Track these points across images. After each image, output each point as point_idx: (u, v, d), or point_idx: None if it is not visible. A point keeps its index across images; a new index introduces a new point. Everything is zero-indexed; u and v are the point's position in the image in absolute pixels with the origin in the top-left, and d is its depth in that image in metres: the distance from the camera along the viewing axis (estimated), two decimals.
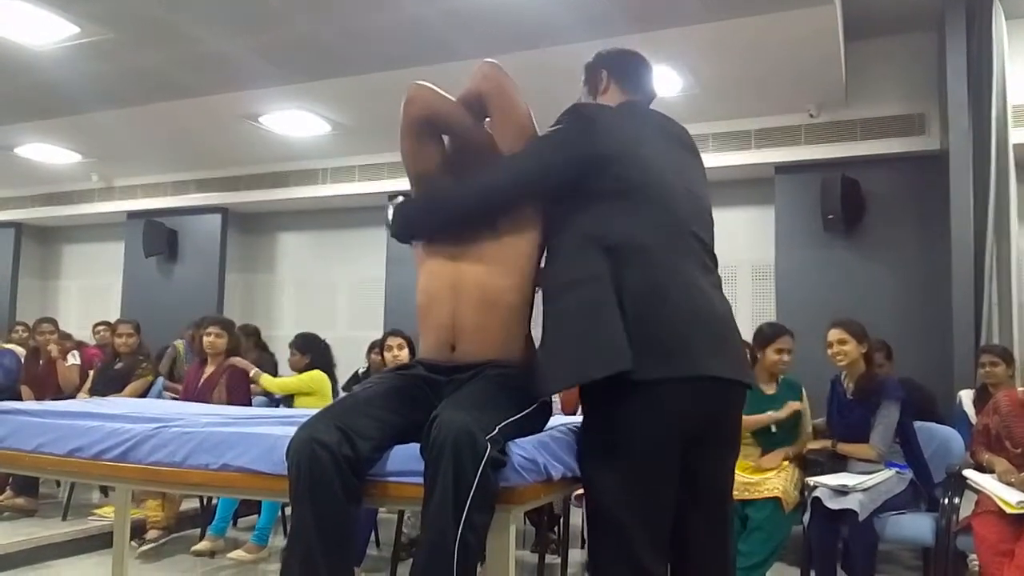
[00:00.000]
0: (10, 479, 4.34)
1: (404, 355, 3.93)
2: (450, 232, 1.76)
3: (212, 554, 3.72)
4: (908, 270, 4.78)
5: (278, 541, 3.92)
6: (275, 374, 4.60)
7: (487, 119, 1.82)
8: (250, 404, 4.04)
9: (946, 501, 2.99)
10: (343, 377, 4.77)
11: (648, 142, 1.72)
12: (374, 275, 6.60)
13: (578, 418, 1.79)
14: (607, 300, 1.52)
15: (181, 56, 4.41)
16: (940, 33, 4.44)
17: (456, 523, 1.37)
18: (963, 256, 4.13)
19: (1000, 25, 4.15)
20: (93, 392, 4.54)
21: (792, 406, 3.30)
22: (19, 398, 4.59)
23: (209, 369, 4.06)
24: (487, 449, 1.39)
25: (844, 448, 3.22)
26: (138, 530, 3.76)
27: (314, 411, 1.65)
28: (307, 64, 4.49)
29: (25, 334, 5.73)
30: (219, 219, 7.08)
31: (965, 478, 3.00)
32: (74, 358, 4.99)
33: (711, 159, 5.08)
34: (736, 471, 3.10)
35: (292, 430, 1.55)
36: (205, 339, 4.08)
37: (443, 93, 1.81)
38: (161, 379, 4.81)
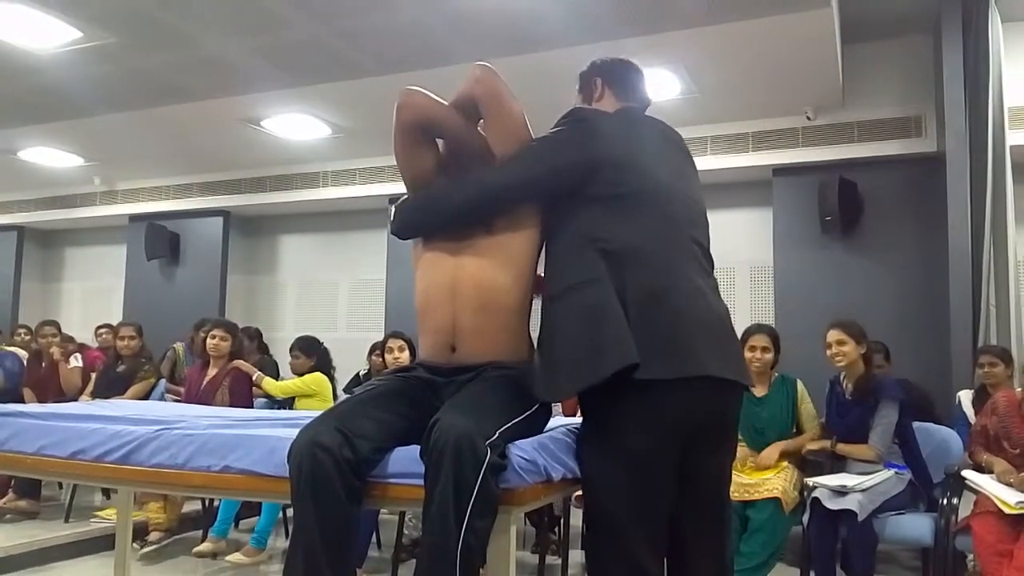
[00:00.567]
0: (12, 481, 4.35)
1: (405, 357, 3.94)
2: (448, 231, 1.77)
3: (214, 556, 3.73)
4: (906, 271, 4.79)
5: (279, 543, 3.94)
6: (277, 376, 4.62)
7: (481, 122, 1.82)
8: (252, 406, 4.06)
9: (945, 501, 3.00)
10: (343, 379, 4.79)
11: (645, 147, 1.74)
12: (375, 277, 6.62)
13: (578, 420, 1.79)
14: (610, 302, 1.53)
15: (183, 60, 4.43)
16: (936, 36, 4.46)
17: (458, 528, 1.37)
18: (960, 257, 4.14)
19: (996, 27, 4.17)
20: (95, 394, 4.56)
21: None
22: (21, 401, 4.60)
23: (212, 371, 4.08)
24: (487, 454, 1.40)
25: (843, 448, 3.23)
26: (140, 532, 3.78)
27: (315, 413, 1.66)
28: (308, 68, 4.50)
29: (27, 337, 5.75)
30: (221, 222, 7.09)
31: (964, 478, 3.01)
32: (76, 361, 5.01)
33: (709, 161, 5.10)
34: (735, 472, 3.14)
35: (293, 432, 1.56)
36: (209, 341, 4.09)
37: (435, 97, 1.81)
38: (163, 381, 4.83)
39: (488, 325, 1.70)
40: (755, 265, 5.44)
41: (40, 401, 4.66)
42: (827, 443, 3.29)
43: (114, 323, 5.36)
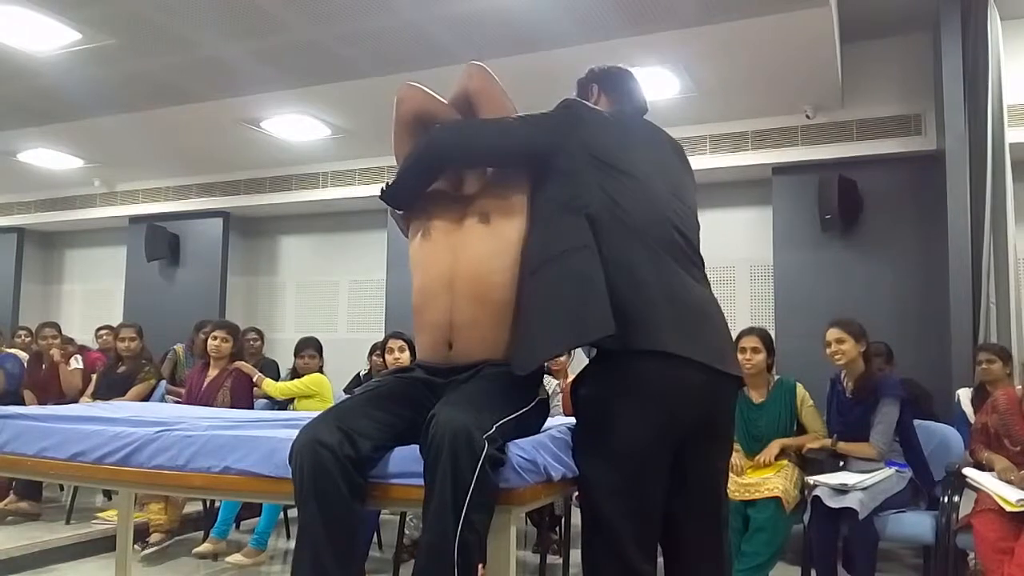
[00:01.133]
0: (13, 483, 4.36)
1: (405, 357, 3.94)
2: (437, 216, 1.79)
3: (215, 557, 3.73)
4: (906, 269, 4.79)
5: (279, 544, 3.94)
6: (276, 378, 4.63)
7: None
8: (252, 408, 4.06)
9: (946, 499, 3.00)
10: (344, 379, 4.80)
11: (635, 144, 1.75)
12: (375, 278, 6.63)
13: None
14: (594, 270, 1.52)
15: (182, 62, 4.43)
16: (936, 34, 4.46)
17: (455, 523, 1.37)
18: (960, 255, 4.14)
19: (995, 25, 4.16)
20: (96, 396, 4.56)
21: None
22: (22, 403, 4.60)
23: (213, 372, 4.08)
24: (485, 448, 1.40)
25: (844, 447, 3.23)
26: (141, 533, 3.78)
27: (315, 414, 1.66)
28: (307, 69, 4.51)
29: (28, 339, 5.75)
30: (220, 223, 7.10)
31: (965, 476, 3.01)
32: (77, 362, 5.01)
33: (709, 160, 5.11)
34: (734, 476, 3.15)
35: (293, 433, 1.57)
36: (211, 343, 4.09)
37: (433, 93, 1.87)
38: (163, 383, 4.83)
39: (484, 318, 1.70)
40: (755, 264, 5.45)
41: (40, 403, 4.66)
42: (828, 442, 3.29)
43: (114, 325, 5.37)
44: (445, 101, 1.88)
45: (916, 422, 3.30)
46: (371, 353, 4.74)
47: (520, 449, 1.51)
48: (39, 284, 8.42)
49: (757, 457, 3.31)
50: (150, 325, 5.18)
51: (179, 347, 5.47)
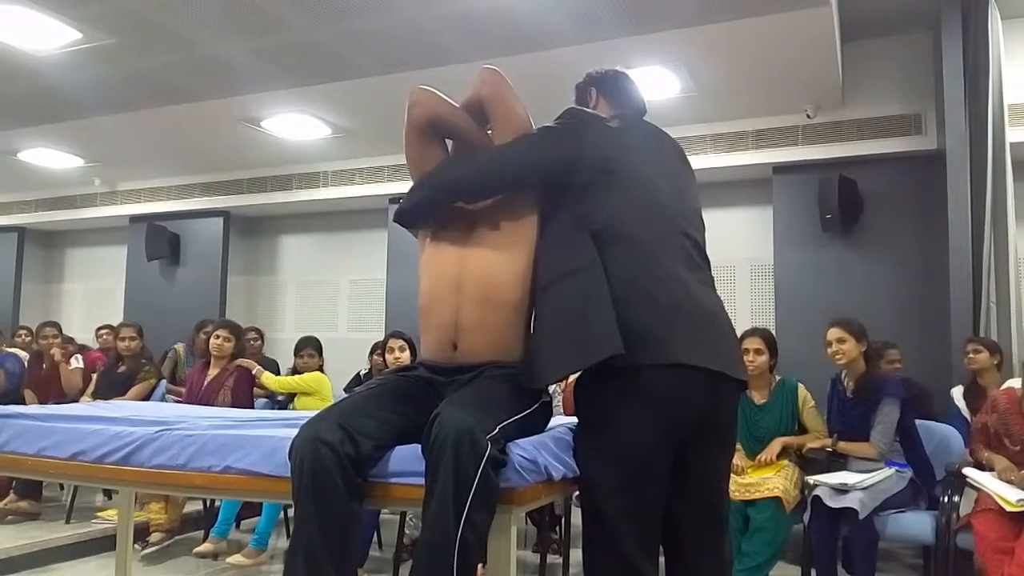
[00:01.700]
0: (13, 483, 4.36)
1: (405, 357, 3.94)
2: (448, 223, 1.80)
3: (215, 556, 3.73)
4: (906, 269, 4.79)
5: (279, 544, 3.94)
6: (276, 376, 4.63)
7: (489, 126, 1.86)
8: (253, 407, 4.06)
9: (946, 499, 3.00)
10: (344, 379, 4.80)
11: (636, 146, 1.76)
12: (375, 277, 6.62)
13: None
14: (600, 290, 1.54)
15: (183, 61, 4.43)
16: (936, 33, 4.45)
17: (456, 522, 1.37)
18: (961, 254, 4.14)
19: (996, 25, 4.16)
20: (96, 395, 4.56)
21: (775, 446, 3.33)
22: (22, 402, 4.61)
23: (213, 372, 4.08)
24: (488, 448, 1.40)
25: (845, 447, 3.23)
26: (141, 533, 3.78)
27: (315, 412, 1.67)
28: (307, 68, 4.51)
29: (28, 338, 5.75)
30: (221, 222, 7.10)
31: (965, 476, 3.01)
32: (77, 362, 5.01)
33: (709, 160, 5.10)
34: (735, 476, 3.14)
35: (294, 432, 1.56)
36: (213, 342, 4.10)
37: (446, 97, 1.86)
38: (164, 382, 4.84)
39: (491, 321, 1.71)
40: (755, 263, 5.45)
41: (41, 402, 4.66)
42: (828, 441, 3.29)
43: (115, 324, 5.37)
44: (457, 105, 1.87)
45: (917, 422, 3.30)
46: (372, 352, 4.74)
47: (521, 449, 1.52)
48: (39, 283, 8.42)
49: (759, 456, 3.32)
50: (150, 324, 5.18)
51: (179, 346, 5.47)
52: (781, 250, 5.13)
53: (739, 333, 3.27)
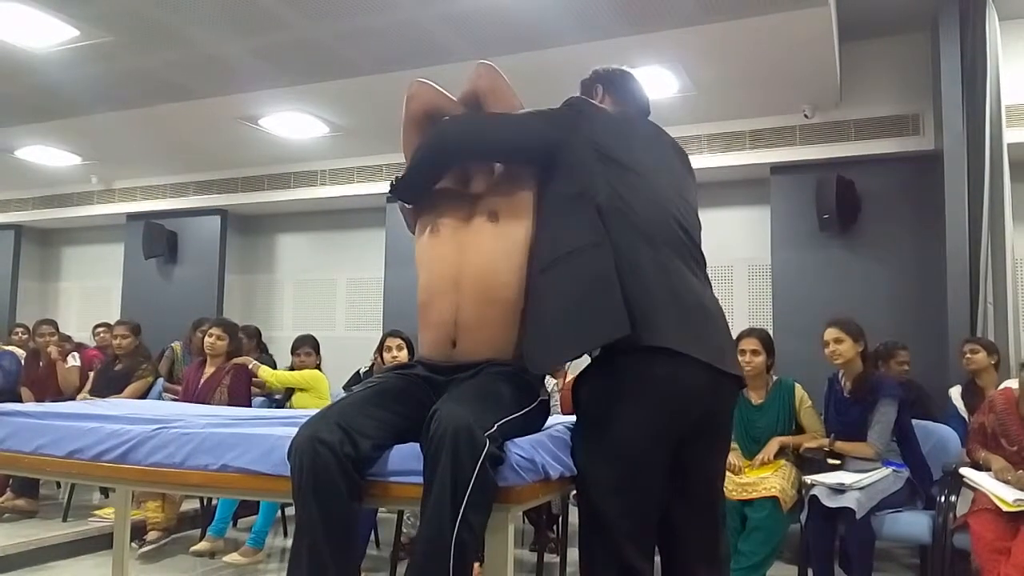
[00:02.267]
0: (10, 481, 4.35)
1: (403, 356, 3.94)
2: (445, 211, 1.79)
3: (212, 555, 3.73)
4: (904, 269, 4.80)
5: (276, 543, 3.94)
6: None
7: None
8: (250, 405, 4.06)
9: (943, 499, 3.00)
10: (342, 377, 4.79)
11: (639, 141, 1.76)
12: (373, 276, 6.62)
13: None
14: (609, 270, 1.52)
15: (180, 59, 4.42)
16: (934, 34, 4.46)
17: (453, 520, 1.37)
18: (958, 255, 4.15)
19: (993, 26, 4.17)
20: (93, 393, 4.56)
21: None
22: (19, 400, 4.60)
23: (209, 370, 4.08)
24: (485, 445, 1.40)
25: (842, 447, 3.23)
26: (138, 531, 3.78)
27: (313, 411, 1.66)
28: (305, 66, 4.50)
29: (25, 336, 5.74)
30: (218, 221, 7.09)
31: (962, 476, 3.02)
32: (74, 360, 5.01)
33: (707, 160, 5.11)
34: (732, 475, 3.15)
35: (292, 431, 1.56)
36: (206, 340, 4.09)
37: (443, 90, 1.89)
38: (161, 380, 4.83)
39: (490, 318, 1.70)
40: (753, 263, 5.45)
41: (38, 400, 4.66)
42: (825, 441, 3.29)
43: (112, 322, 5.36)
44: (455, 98, 1.89)
45: (914, 422, 3.31)
46: (379, 349, 4.72)
47: (518, 447, 1.51)
48: (36, 281, 8.41)
49: (757, 456, 3.32)
50: (148, 322, 5.17)
51: (176, 344, 5.46)
52: (778, 250, 5.14)
53: (736, 333, 3.32)
